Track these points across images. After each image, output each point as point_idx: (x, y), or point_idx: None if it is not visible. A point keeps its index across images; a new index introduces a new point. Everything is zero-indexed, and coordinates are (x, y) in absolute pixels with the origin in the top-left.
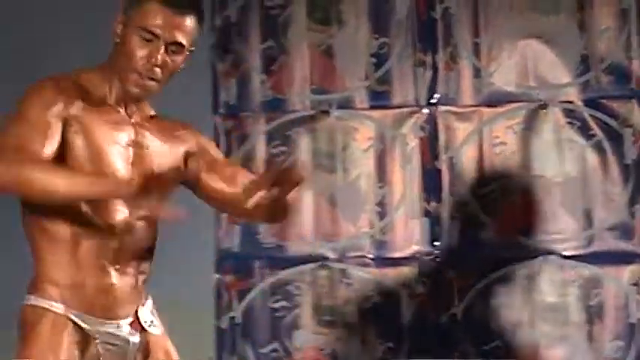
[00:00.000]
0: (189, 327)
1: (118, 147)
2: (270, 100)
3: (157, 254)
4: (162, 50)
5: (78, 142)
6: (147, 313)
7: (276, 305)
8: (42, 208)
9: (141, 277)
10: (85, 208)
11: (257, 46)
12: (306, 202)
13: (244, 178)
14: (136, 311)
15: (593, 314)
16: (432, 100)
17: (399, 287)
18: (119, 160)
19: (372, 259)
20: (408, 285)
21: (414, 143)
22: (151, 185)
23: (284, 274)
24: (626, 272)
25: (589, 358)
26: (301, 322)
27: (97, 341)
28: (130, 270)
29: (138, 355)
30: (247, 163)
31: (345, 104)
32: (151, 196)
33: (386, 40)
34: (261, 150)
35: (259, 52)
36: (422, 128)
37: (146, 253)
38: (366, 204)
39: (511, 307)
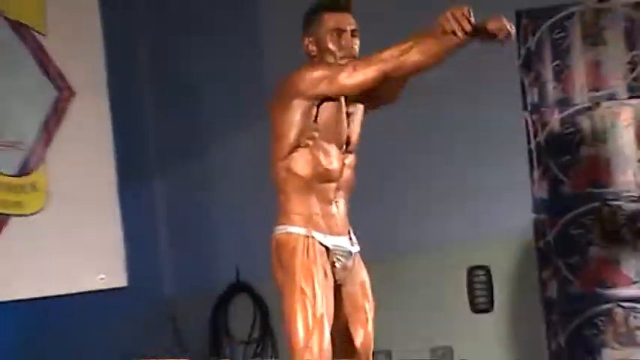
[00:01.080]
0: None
1: (341, 116)
2: None
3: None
4: (350, 37)
5: (322, 113)
6: (352, 235)
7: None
8: (292, 161)
9: (346, 208)
10: (315, 161)
11: None
12: None
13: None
14: (349, 232)
15: None
16: None
17: None
18: (343, 125)
19: None
20: None
21: None
22: (354, 139)
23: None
24: None
25: None
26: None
27: (332, 251)
28: (342, 202)
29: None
30: None
31: None
32: (353, 146)
33: None
34: None
35: None
36: None
37: (349, 193)
38: None
39: None
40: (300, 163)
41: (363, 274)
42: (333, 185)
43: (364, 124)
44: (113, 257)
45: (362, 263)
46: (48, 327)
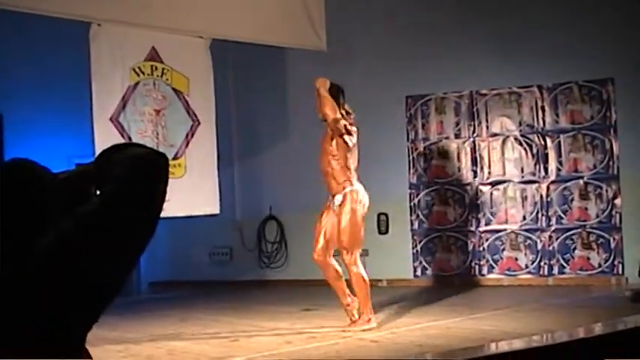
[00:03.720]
0: (397, 207)
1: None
2: None
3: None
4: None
5: None
6: (339, 197)
7: (427, 199)
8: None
9: (335, 187)
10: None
11: None
12: None
13: None
14: (334, 195)
15: None
16: None
17: None
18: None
19: None
20: None
21: None
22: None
23: None
24: None
25: None
26: None
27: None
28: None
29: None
30: None
31: None
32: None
33: None
34: None
35: None
36: None
37: (331, 180)
38: None
39: None
40: None
41: (342, 210)
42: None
43: None
44: (213, 198)
45: (344, 206)
46: (183, 230)
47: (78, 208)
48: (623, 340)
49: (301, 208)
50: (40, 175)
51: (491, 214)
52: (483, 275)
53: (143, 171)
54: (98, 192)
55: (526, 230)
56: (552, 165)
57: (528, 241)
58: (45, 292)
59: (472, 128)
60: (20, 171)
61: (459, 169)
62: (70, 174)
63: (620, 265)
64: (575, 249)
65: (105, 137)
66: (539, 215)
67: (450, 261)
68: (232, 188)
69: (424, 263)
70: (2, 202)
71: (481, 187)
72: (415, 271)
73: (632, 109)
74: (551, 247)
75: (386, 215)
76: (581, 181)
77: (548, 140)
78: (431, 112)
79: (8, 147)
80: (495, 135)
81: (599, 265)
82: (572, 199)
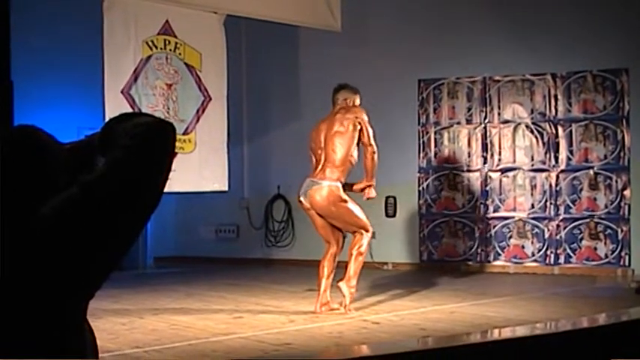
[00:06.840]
0: (406, 190)
1: None
2: None
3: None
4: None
5: None
6: None
7: (436, 183)
8: None
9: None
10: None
11: None
12: None
13: None
14: None
15: None
16: None
17: None
18: None
19: None
20: None
21: None
22: None
23: None
24: None
25: None
26: None
27: None
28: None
29: None
30: None
31: None
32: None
33: None
34: None
35: None
36: None
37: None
38: None
39: None
40: None
41: None
42: None
43: None
44: (222, 175)
45: None
46: (190, 206)
47: (83, 175)
48: (626, 331)
49: None
50: (46, 143)
51: (500, 201)
52: (489, 262)
53: (149, 140)
54: (104, 160)
55: (534, 218)
56: (563, 154)
57: (536, 230)
58: (46, 260)
59: (484, 114)
60: (26, 137)
61: (469, 155)
62: (76, 143)
63: (627, 257)
64: (582, 239)
65: (115, 110)
66: (548, 204)
67: (457, 246)
68: (241, 166)
69: (430, 248)
70: (7, 169)
71: (490, 173)
72: (421, 255)
73: None
74: (558, 237)
75: (394, 198)
76: (591, 171)
77: (560, 129)
78: (443, 96)
79: (18, 116)
80: (507, 122)
81: (606, 256)
82: (582, 189)
